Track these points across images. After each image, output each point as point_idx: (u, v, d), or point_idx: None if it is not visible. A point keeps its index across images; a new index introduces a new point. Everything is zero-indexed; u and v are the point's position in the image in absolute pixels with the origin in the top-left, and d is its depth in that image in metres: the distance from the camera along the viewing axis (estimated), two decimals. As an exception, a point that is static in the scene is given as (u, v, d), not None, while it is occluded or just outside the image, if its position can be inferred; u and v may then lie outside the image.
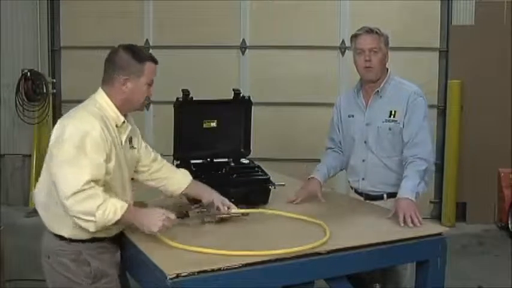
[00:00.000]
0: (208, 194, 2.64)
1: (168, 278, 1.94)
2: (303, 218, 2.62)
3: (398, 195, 2.73)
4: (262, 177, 2.97)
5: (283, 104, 6.39)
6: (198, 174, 2.81)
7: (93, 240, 2.31)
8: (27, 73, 6.30)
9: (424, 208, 5.87)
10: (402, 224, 2.56)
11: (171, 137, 2.96)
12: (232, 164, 3.06)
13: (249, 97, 3.16)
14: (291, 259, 2.16)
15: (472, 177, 6.11)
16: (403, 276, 2.95)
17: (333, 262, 2.25)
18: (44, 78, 6.38)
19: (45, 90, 6.38)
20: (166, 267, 1.99)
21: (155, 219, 2.24)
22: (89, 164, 2.17)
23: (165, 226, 2.25)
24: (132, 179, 2.54)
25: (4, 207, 6.15)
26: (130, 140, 2.46)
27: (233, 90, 3.13)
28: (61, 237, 2.31)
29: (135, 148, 2.50)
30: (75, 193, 2.13)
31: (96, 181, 2.18)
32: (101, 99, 2.35)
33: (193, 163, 2.95)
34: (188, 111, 2.98)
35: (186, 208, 2.69)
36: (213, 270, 2.01)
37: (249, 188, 2.73)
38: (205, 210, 2.62)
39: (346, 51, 6.11)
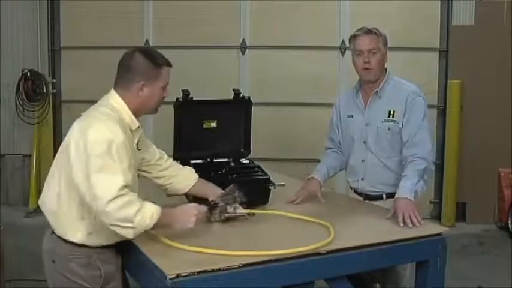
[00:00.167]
0: (215, 192, 2.65)
1: (168, 278, 1.94)
2: (309, 220, 2.61)
3: (397, 195, 2.72)
4: (262, 177, 2.97)
5: (283, 104, 6.39)
6: (198, 174, 2.80)
7: (105, 245, 2.29)
8: (27, 73, 6.29)
9: (424, 208, 5.87)
10: (402, 225, 2.55)
11: (171, 137, 2.96)
12: (232, 164, 3.06)
13: (249, 97, 3.16)
14: (291, 259, 2.15)
15: (472, 177, 6.11)
16: (403, 276, 2.95)
17: (333, 262, 2.25)
18: (44, 78, 6.38)
19: (45, 90, 6.37)
20: (166, 267, 1.99)
21: (189, 215, 2.26)
22: (119, 171, 2.13)
23: (199, 219, 2.27)
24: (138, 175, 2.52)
25: (4, 207, 6.16)
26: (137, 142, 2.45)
27: (233, 90, 3.13)
28: (71, 242, 2.26)
29: (140, 150, 2.49)
30: (112, 200, 2.07)
31: (128, 186, 2.14)
32: (116, 103, 2.29)
33: (193, 163, 2.94)
34: (188, 111, 2.98)
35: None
36: (213, 270, 2.01)
37: (249, 188, 2.73)
38: (220, 206, 2.58)
39: (346, 51, 6.09)
